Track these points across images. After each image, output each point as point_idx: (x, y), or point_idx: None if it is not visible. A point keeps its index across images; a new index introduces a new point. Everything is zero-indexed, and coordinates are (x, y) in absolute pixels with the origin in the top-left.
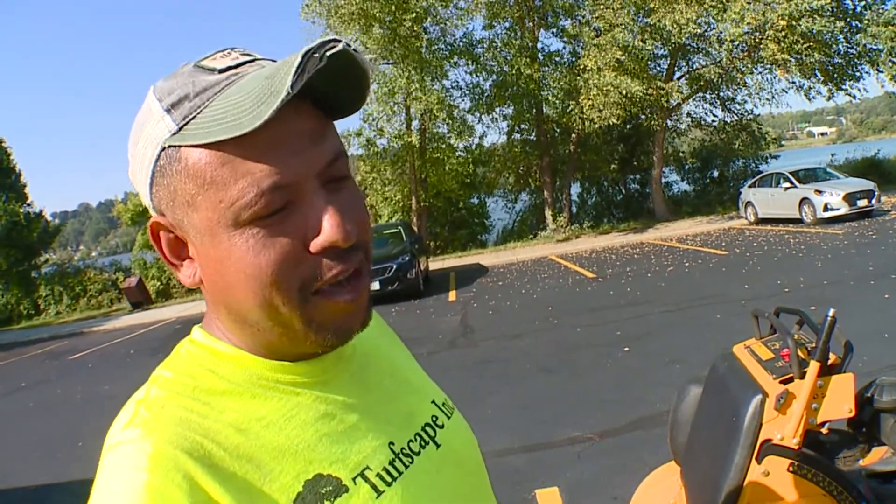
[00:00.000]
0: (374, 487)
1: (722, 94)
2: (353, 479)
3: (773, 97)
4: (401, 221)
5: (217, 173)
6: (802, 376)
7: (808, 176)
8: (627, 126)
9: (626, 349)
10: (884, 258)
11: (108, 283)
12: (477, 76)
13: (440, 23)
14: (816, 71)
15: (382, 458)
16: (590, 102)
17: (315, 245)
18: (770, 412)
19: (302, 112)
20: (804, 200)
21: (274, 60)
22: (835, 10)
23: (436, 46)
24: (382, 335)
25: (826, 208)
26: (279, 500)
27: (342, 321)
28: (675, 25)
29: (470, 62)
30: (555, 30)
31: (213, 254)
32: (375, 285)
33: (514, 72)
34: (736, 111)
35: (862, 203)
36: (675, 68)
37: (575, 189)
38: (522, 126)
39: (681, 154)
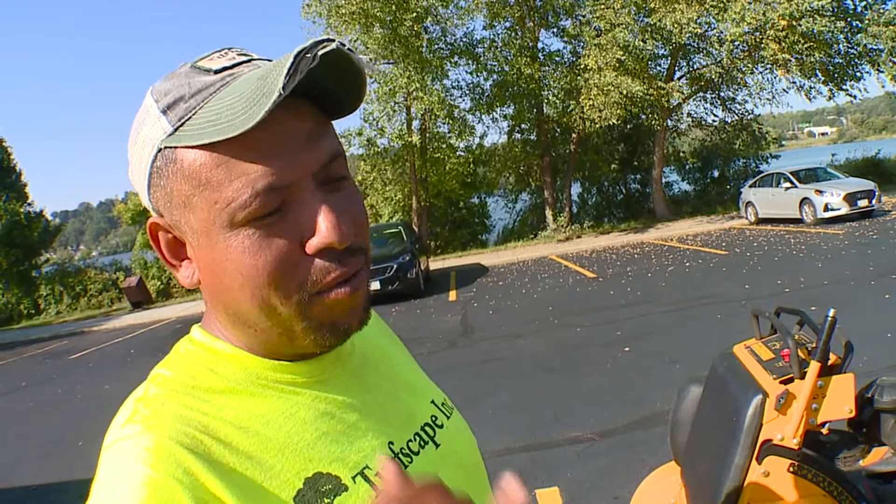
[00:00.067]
0: (374, 486)
1: (722, 93)
2: (353, 478)
3: (774, 97)
4: (401, 221)
5: (212, 174)
6: (803, 376)
7: (809, 176)
8: (628, 126)
9: (627, 349)
10: (884, 258)
11: (109, 282)
12: (477, 76)
13: (440, 22)
14: (817, 71)
15: None
16: (590, 102)
17: (311, 246)
18: (770, 412)
19: (298, 112)
20: (805, 200)
21: (270, 60)
22: (835, 9)
23: (436, 46)
24: (382, 335)
25: (826, 208)
26: (280, 497)
27: (340, 320)
28: (675, 25)
29: (470, 62)
30: (555, 29)
31: (210, 255)
32: (376, 285)
33: (514, 71)
34: (736, 111)
35: (862, 203)
36: (676, 68)
37: (575, 189)
38: (523, 126)
39: (681, 154)
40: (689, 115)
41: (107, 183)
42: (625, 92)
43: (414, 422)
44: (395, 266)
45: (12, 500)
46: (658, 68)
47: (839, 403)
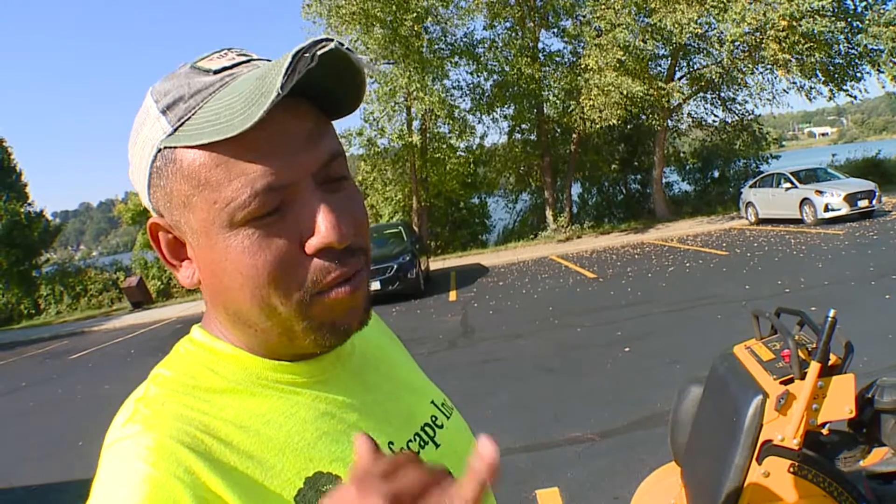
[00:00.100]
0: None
1: (723, 94)
2: None
3: (774, 97)
4: (401, 221)
5: (211, 174)
6: (803, 377)
7: (809, 176)
8: (628, 126)
9: (627, 349)
10: (884, 258)
11: (109, 282)
12: (478, 76)
13: (441, 23)
14: (817, 71)
15: None
16: (591, 102)
17: (310, 246)
18: (771, 413)
19: (297, 112)
20: (805, 201)
21: (270, 60)
22: (836, 10)
23: (436, 46)
24: (381, 335)
25: (827, 209)
26: (280, 496)
27: (340, 320)
28: (676, 25)
29: (471, 62)
30: (556, 30)
31: (209, 255)
32: (376, 285)
33: (514, 72)
34: (737, 111)
35: (863, 203)
36: (676, 68)
37: (576, 189)
38: (523, 126)
39: (682, 154)
40: (689, 115)
41: (107, 183)
42: (625, 92)
43: (414, 422)
44: (395, 266)
45: (12, 500)
46: (658, 69)
47: (839, 404)
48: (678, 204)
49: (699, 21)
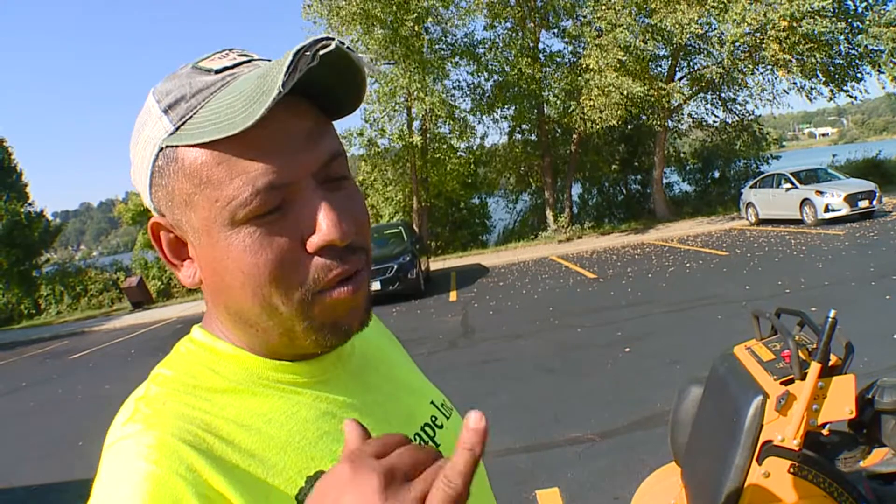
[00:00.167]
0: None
1: (723, 94)
2: None
3: (775, 98)
4: (402, 221)
5: (213, 173)
6: (803, 377)
7: (810, 177)
8: (629, 126)
9: (627, 350)
10: (885, 259)
11: (109, 282)
12: (478, 77)
13: (441, 23)
14: (818, 72)
15: None
16: (591, 103)
17: (311, 244)
18: (771, 413)
19: (298, 111)
20: (805, 201)
21: (270, 61)
22: (836, 10)
23: (437, 47)
24: (381, 336)
25: (827, 209)
26: (281, 494)
27: (342, 320)
28: (676, 26)
29: (471, 62)
30: (556, 30)
31: (211, 254)
32: (376, 285)
33: (515, 72)
34: (737, 112)
35: (863, 204)
36: (677, 69)
37: (576, 189)
38: (524, 126)
39: (682, 154)
40: (689, 115)
41: (107, 183)
42: (625, 92)
43: (414, 422)
44: (395, 266)
45: (12, 500)
46: (659, 69)
47: (840, 404)
48: (678, 204)
49: (699, 21)
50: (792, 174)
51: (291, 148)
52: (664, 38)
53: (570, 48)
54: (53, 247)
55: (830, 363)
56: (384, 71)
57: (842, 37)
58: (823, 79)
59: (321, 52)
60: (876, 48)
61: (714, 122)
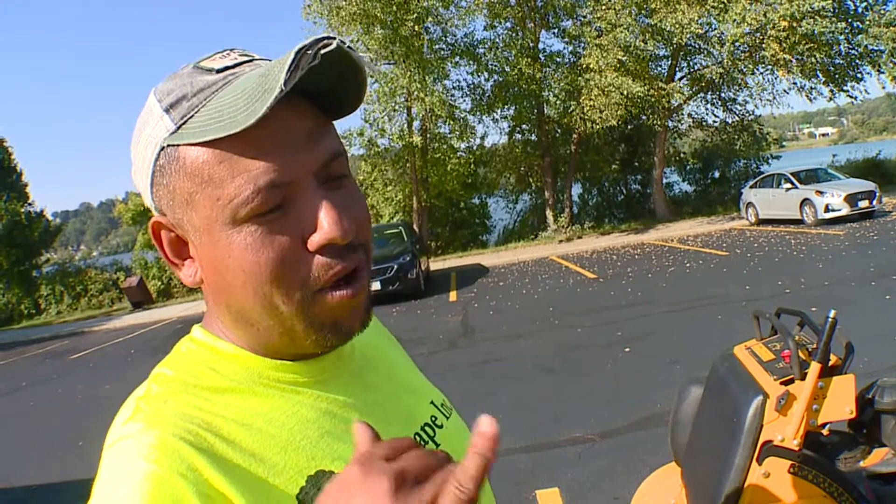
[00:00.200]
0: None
1: (723, 94)
2: None
3: (775, 98)
4: (402, 221)
5: (214, 171)
6: (803, 377)
7: (810, 177)
8: (629, 126)
9: (627, 350)
10: (885, 259)
11: (109, 282)
12: (478, 77)
13: (441, 23)
14: (818, 72)
15: None
16: (591, 103)
17: (313, 243)
18: (771, 413)
19: (300, 111)
20: (805, 201)
21: (271, 61)
22: (836, 10)
23: (437, 47)
24: (380, 336)
25: (827, 209)
26: (283, 494)
27: (342, 320)
28: (676, 26)
29: (471, 63)
30: (556, 30)
31: (212, 252)
32: (376, 285)
33: (515, 72)
34: (737, 112)
35: (863, 204)
36: (677, 69)
37: (576, 189)
38: (524, 126)
39: (682, 155)
40: (689, 115)
41: (107, 183)
42: (625, 92)
43: (414, 422)
44: (395, 266)
45: (12, 500)
46: (659, 69)
47: (840, 404)
48: (678, 204)
49: (700, 21)
50: (792, 174)
51: (293, 147)
52: (664, 38)
53: (570, 48)
54: (53, 247)
55: (830, 363)
56: (384, 71)
57: (842, 37)
58: (823, 79)
59: (323, 51)
60: (876, 48)
61: (714, 122)
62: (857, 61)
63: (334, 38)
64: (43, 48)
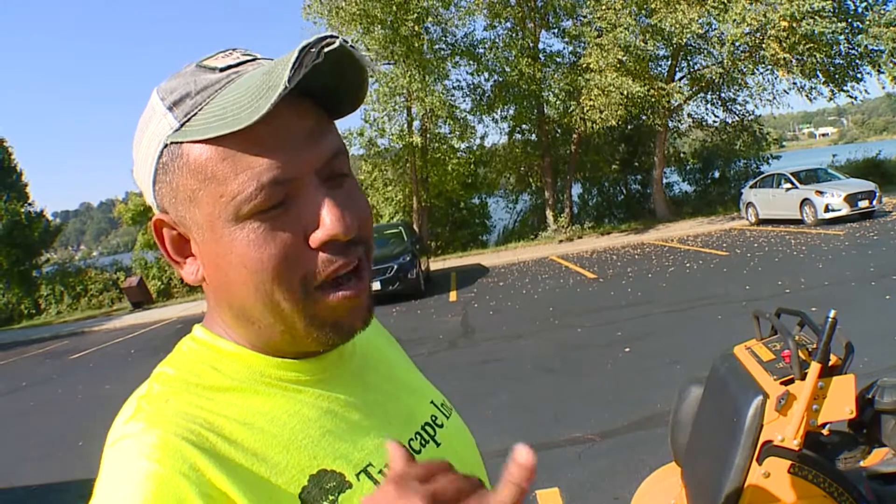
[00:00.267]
0: (377, 484)
1: (723, 94)
2: (357, 476)
3: (775, 98)
4: (402, 221)
5: (218, 168)
6: (803, 377)
7: (810, 177)
8: (629, 126)
9: (627, 350)
10: (885, 259)
11: (109, 282)
12: (478, 77)
13: (441, 23)
14: (818, 72)
15: (384, 456)
16: (591, 103)
17: (315, 239)
18: (771, 413)
19: (302, 110)
20: (805, 201)
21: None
22: (836, 11)
23: (437, 46)
24: (379, 336)
25: (827, 209)
26: (285, 493)
27: (344, 318)
28: (676, 26)
29: (471, 62)
30: (556, 30)
31: (214, 249)
32: (376, 285)
33: (515, 72)
34: (737, 112)
35: (863, 204)
36: (677, 69)
37: (576, 189)
38: (524, 126)
39: (682, 155)
40: (689, 115)
41: (107, 183)
42: (625, 92)
43: (414, 421)
44: (395, 266)
45: (12, 500)
46: (659, 69)
47: (840, 404)
48: (678, 204)
49: (700, 21)
50: (792, 174)
51: (295, 144)
52: (664, 38)
53: (570, 48)
54: (53, 247)
55: (830, 363)
56: (384, 71)
57: (842, 37)
58: (823, 79)
59: (326, 49)
60: (876, 48)
61: (714, 122)
62: (857, 61)
63: (337, 37)
64: (43, 48)
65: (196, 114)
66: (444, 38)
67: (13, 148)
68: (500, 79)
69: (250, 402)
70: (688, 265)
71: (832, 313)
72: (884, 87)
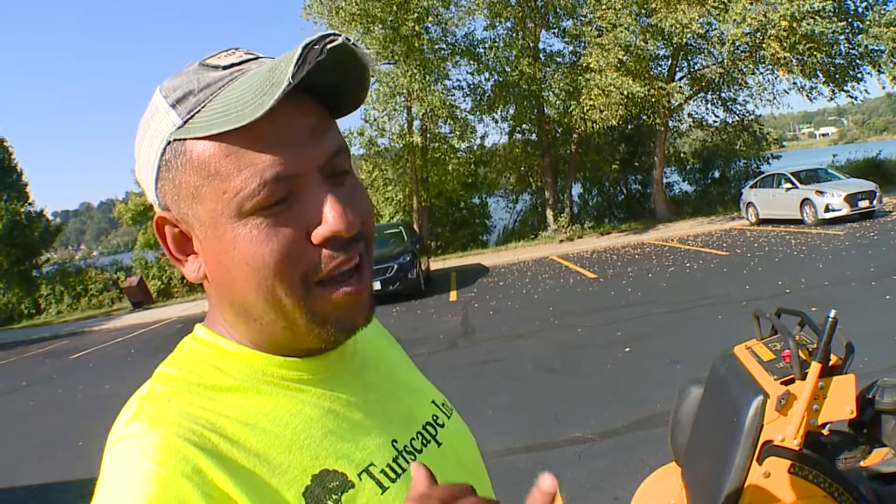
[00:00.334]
0: (379, 484)
1: (723, 94)
2: (359, 475)
3: (775, 98)
4: (402, 221)
5: (221, 164)
6: (804, 377)
7: (810, 176)
8: (629, 126)
9: (627, 349)
10: (885, 259)
11: (109, 282)
12: (478, 76)
13: (441, 23)
14: (818, 71)
15: (386, 456)
16: (591, 103)
17: (317, 236)
18: (771, 413)
19: (305, 107)
20: (805, 201)
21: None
22: (836, 11)
23: (437, 46)
24: (379, 336)
25: (827, 209)
26: (287, 493)
27: (345, 315)
28: (677, 26)
29: (471, 62)
30: (556, 30)
31: (217, 246)
32: (377, 285)
33: (515, 72)
34: (737, 112)
35: (863, 204)
36: (677, 69)
37: (576, 189)
38: (524, 126)
39: (682, 154)
40: (689, 115)
41: (107, 183)
42: (626, 92)
43: (415, 421)
44: (395, 266)
45: (12, 500)
46: (659, 69)
47: (840, 404)
48: (679, 204)
49: (700, 21)
50: (792, 174)
51: (298, 141)
52: (664, 37)
53: (571, 48)
54: (53, 247)
55: (831, 363)
56: (384, 70)
57: (842, 37)
58: (823, 79)
59: (329, 47)
60: (876, 48)
61: (714, 122)
62: (858, 61)
63: (340, 35)
64: (43, 48)
65: (199, 111)
66: (444, 38)
67: (13, 148)
68: (501, 78)
69: (253, 402)
70: (688, 265)
71: (832, 313)
72: (884, 87)
